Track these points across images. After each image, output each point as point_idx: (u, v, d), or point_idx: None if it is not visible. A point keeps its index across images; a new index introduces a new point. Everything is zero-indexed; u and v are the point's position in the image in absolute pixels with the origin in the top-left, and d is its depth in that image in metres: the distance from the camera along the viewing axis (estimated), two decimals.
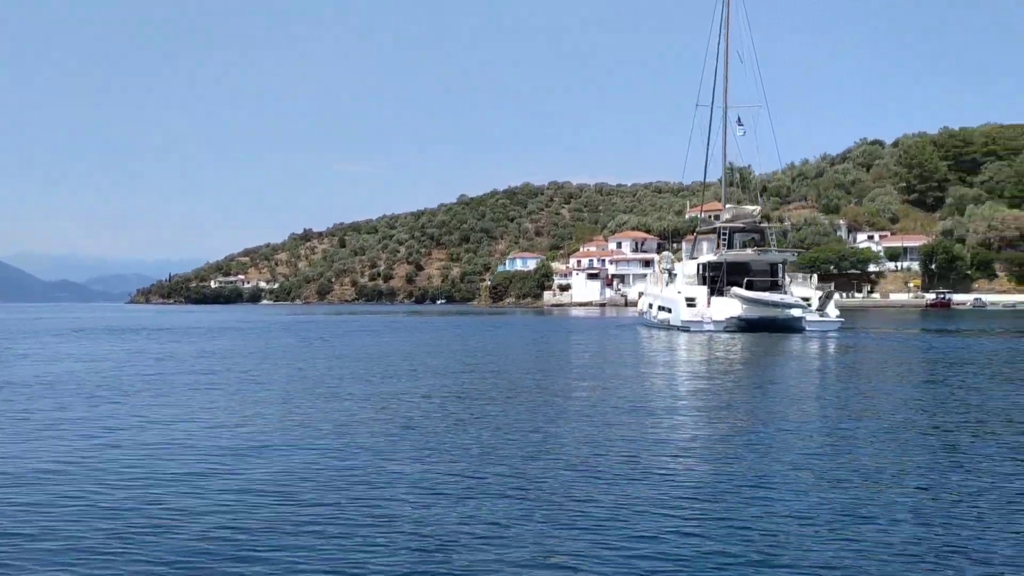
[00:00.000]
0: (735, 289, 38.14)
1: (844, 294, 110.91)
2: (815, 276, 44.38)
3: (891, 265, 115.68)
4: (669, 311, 41.73)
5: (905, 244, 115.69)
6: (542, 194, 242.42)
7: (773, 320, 36.48)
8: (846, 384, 17.52)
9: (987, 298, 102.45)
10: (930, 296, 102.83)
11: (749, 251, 40.70)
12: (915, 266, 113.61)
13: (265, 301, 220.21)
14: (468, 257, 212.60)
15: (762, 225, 42.77)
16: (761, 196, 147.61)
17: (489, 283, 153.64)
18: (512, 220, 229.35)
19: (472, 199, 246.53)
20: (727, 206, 46.33)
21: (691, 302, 38.72)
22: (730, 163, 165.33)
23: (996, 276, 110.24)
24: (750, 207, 44.55)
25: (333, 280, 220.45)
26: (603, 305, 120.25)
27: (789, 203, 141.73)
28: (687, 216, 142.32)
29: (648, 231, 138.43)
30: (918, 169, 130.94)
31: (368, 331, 45.29)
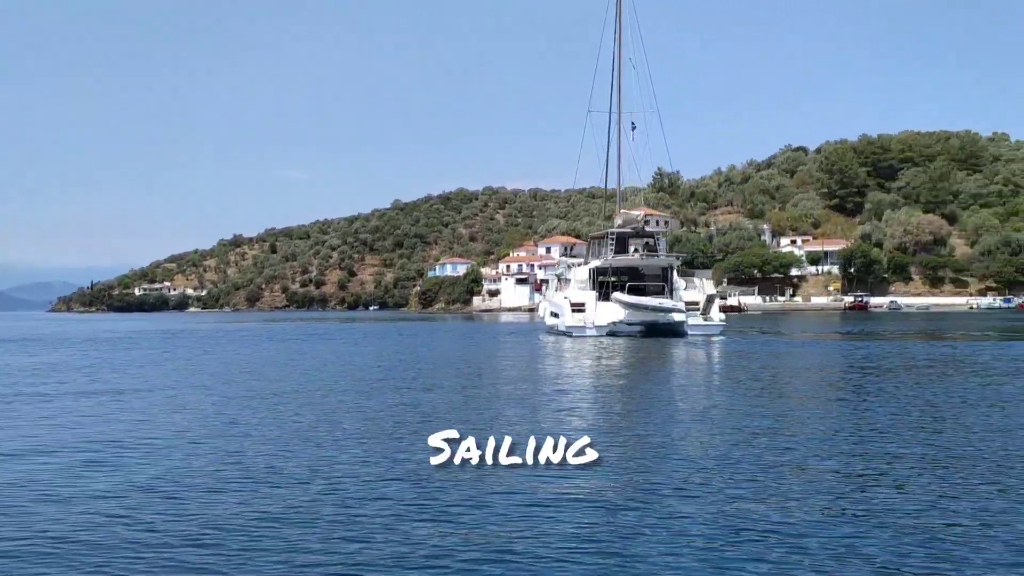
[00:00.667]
0: (616, 294, 37.80)
1: (767, 297, 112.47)
2: (708, 281, 44.21)
3: (812, 269, 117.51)
4: (557, 316, 41.08)
5: (826, 248, 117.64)
6: (477, 199, 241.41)
7: (655, 324, 36.11)
8: (688, 389, 16.64)
9: (902, 300, 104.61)
10: (848, 299, 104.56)
11: (635, 256, 40.12)
12: (835, 270, 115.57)
13: (192, 309, 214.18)
14: (402, 263, 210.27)
15: (650, 229, 42.18)
16: (689, 201, 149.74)
17: (419, 289, 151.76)
18: (447, 225, 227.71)
19: (407, 204, 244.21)
20: (621, 211, 45.55)
21: (579, 307, 38.03)
22: (659, 168, 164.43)
23: (911, 279, 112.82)
24: (635, 212, 43.83)
25: (263, 287, 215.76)
26: (532, 310, 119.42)
27: (716, 208, 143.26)
28: (615, 221, 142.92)
29: (578, 236, 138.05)
30: (839, 175, 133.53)
31: (260, 340, 43.38)
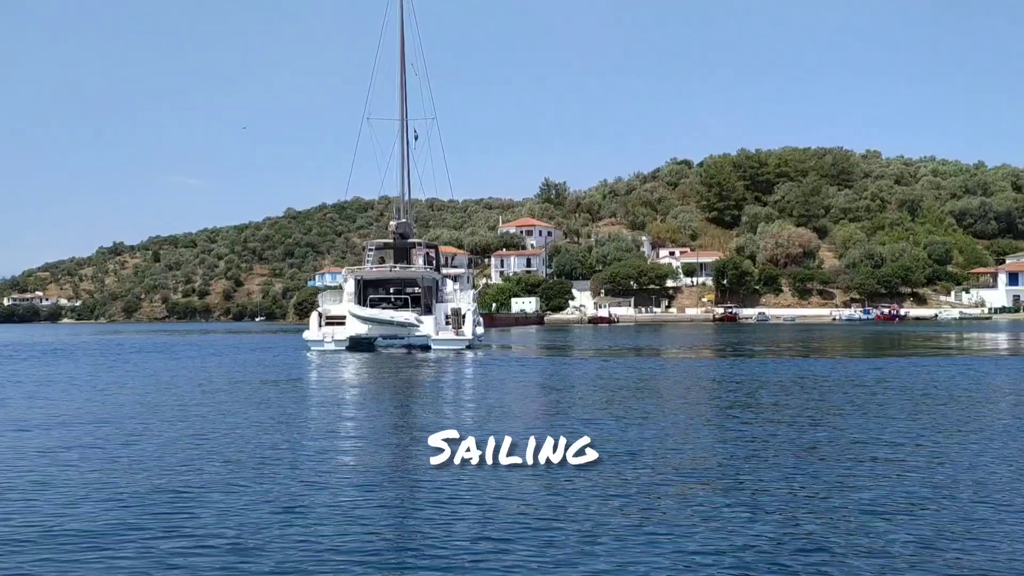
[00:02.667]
0: (351, 307, 36.40)
1: (642, 309, 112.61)
2: (472, 293, 43.56)
3: (688, 280, 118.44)
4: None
5: (700, 260, 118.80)
6: (372, 208, 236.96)
7: (395, 338, 35.32)
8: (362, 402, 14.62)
9: (770, 312, 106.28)
10: (719, 311, 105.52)
11: (387, 268, 38.78)
12: (710, 281, 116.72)
13: (66, 320, 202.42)
14: (292, 272, 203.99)
15: (410, 241, 40.53)
16: (574, 212, 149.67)
17: (295, 299, 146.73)
18: (340, 235, 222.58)
19: (300, 213, 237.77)
20: (392, 222, 43.15)
21: (336, 320, 36.24)
22: (546, 179, 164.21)
23: (781, 291, 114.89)
24: (393, 222, 41.84)
25: (142, 297, 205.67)
26: None
27: (601, 219, 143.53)
28: (499, 231, 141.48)
29: (460, 246, 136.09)
30: (717, 188, 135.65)
31: (56, 355, 39.45)
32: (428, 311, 36.60)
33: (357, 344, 35.71)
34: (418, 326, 35.01)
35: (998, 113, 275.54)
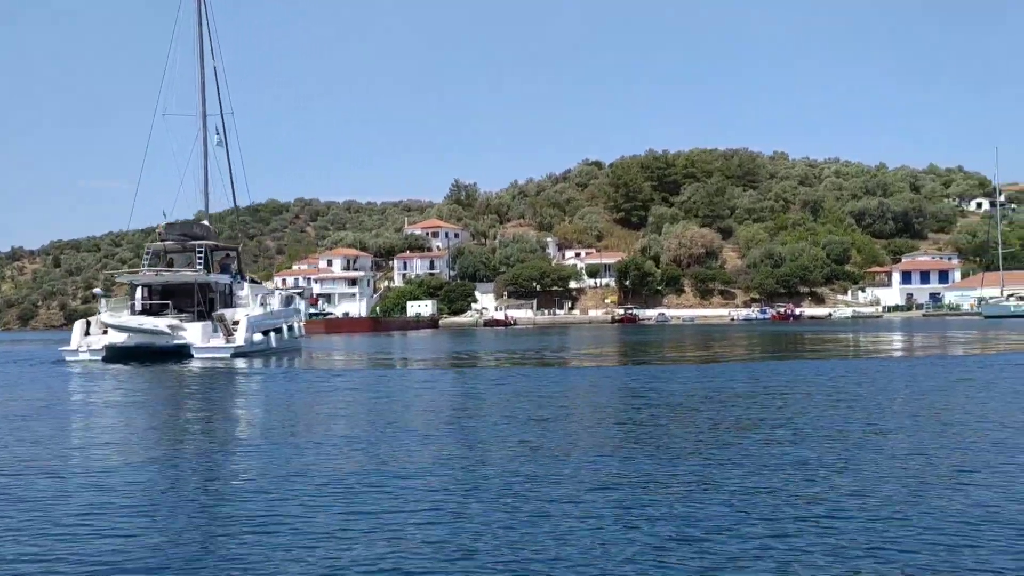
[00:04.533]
0: (103, 315, 33.66)
1: (544, 311, 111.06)
2: (277, 295, 41.26)
3: (591, 282, 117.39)
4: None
5: (604, 261, 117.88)
6: (287, 211, 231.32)
7: (152, 346, 32.43)
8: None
9: (670, 313, 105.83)
10: (619, 312, 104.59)
11: (154, 272, 35.87)
12: (614, 282, 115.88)
13: None
14: None
15: (196, 243, 37.35)
16: (483, 214, 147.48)
17: None
18: (252, 238, 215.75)
19: (211, 215, 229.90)
20: (161, 224, 39.71)
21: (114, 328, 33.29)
22: (456, 180, 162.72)
23: (684, 291, 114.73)
24: (163, 222, 38.78)
25: (39, 304, 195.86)
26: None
27: (509, 221, 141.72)
28: (405, 233, 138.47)
29: (364, 248, 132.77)
30: (624, 189, 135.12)
31: None
32: (202, 317, 33.82)
33: (118, 354, 32.46)
34: (172, 334, 32.36)
35: (899, 115, 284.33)
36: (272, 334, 36.97)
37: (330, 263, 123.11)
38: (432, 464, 9.43)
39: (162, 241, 36.99)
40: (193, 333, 32.78)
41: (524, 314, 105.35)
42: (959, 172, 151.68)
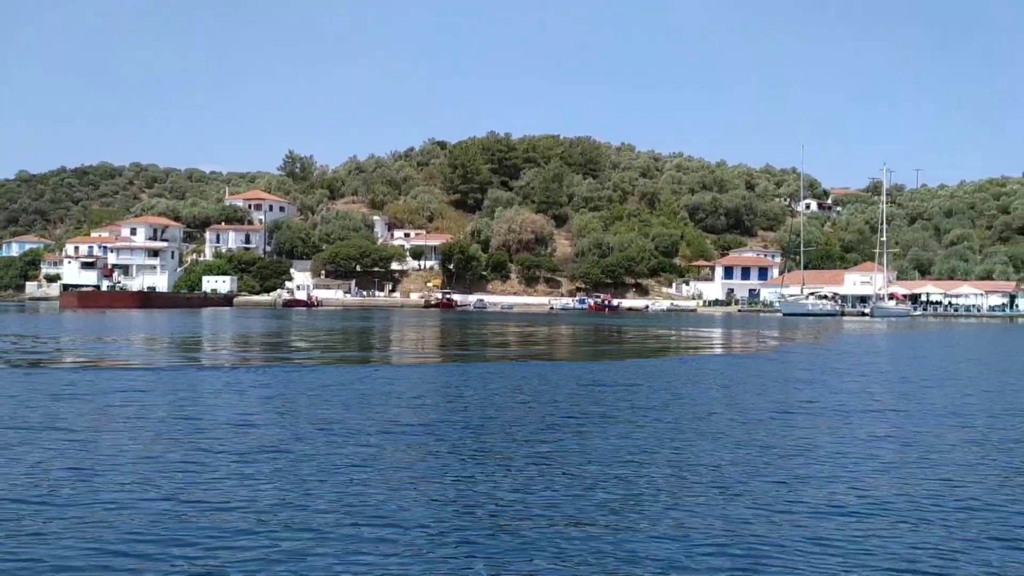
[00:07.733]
0: None
1: (361, 292, 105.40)
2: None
3: (415, 264, 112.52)
4: None
5: (429, 243, 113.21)
6: (121, 175, 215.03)
7: None
8: None
9: (489, 299, 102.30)
10: (437, 295, 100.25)
11: None
12: (438, 266, 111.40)
13: None
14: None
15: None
16: (316, 188, 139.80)
17: None
18: (77, 203, 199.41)
19: (33, 176, 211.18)
20: None
21: None
22: (290, 151, 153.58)
23: (510, 277, 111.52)
24: None
25: None
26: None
27: (342, 197, 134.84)
28: (226, 203, 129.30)
29: (177, 218, 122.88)
30: (462, 170, 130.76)
31: None
32: None
33: None
34: None
35: (738, 114, 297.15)
36: None
37: (134, 231, 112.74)
38: None
39: None
40: None
41: (334, 294, 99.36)
42: (792, 173, 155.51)
